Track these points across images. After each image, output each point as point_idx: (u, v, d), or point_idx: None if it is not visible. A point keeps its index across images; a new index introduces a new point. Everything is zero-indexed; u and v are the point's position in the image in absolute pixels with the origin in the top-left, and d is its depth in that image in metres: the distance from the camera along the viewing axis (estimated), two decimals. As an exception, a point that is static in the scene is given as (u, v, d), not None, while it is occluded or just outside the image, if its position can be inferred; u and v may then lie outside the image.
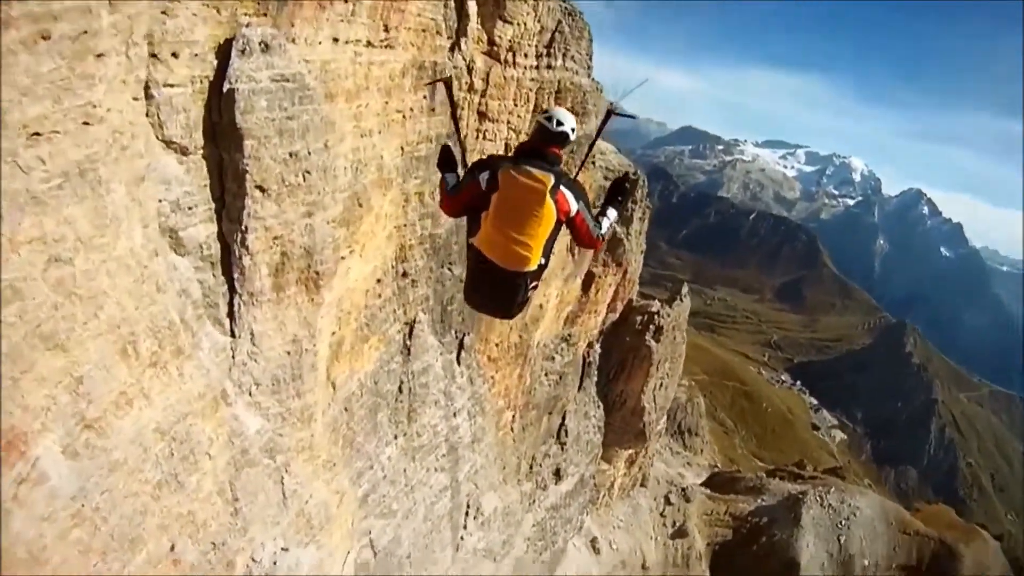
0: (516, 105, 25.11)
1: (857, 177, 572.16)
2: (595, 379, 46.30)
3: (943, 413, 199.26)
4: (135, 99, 8.38)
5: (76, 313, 7.29)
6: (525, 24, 24.65)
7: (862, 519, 57.37)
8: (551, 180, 5.38)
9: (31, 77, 6.21)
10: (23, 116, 6.21)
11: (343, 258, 15.39)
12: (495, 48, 23.62)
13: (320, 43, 13.11)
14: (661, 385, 49.92)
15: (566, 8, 28.64)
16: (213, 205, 10.99)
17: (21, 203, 6.38)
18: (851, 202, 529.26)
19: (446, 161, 6.97)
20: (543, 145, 5.85)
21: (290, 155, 11.65)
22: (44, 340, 6.89)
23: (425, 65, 18.63)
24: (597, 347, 46.11)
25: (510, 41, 23.97)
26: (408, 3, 16.24)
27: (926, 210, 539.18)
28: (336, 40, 13.68)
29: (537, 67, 26.14)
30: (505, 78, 24.28)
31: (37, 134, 6.40)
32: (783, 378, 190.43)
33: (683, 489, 59.80)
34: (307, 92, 11.86)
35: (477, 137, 24.26)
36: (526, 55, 25.20)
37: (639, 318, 47.92)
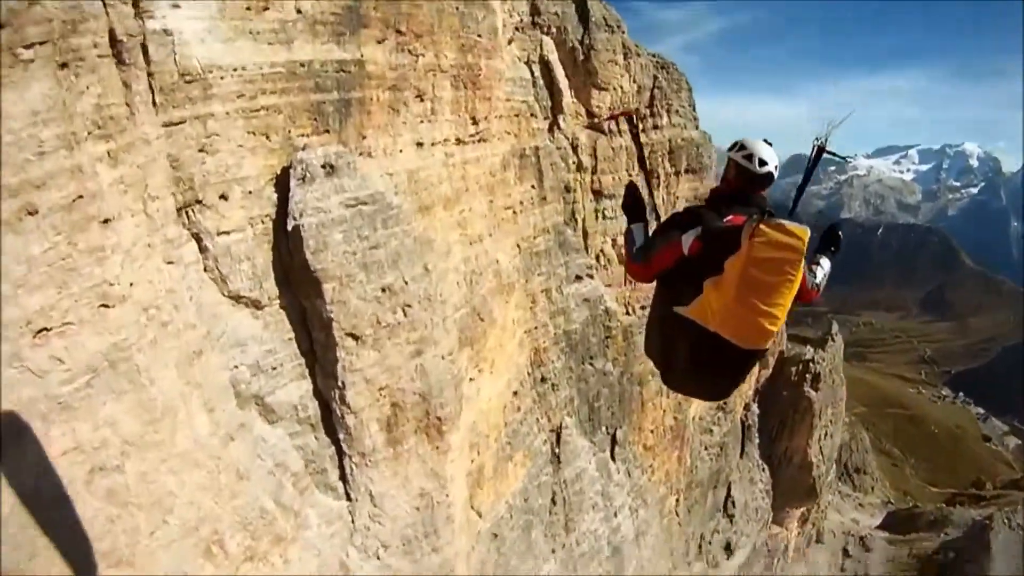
0: (631, 175, 23.50)
1: (975, 162, 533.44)
2: (756, 441, 44.03)
3: None
4: (169, 262, 6.93)
5: (138, 524, 5.99)
6: (621, 87, 23.31)
7: None
8: (807, 234, 4.08)
9: (24, 263, 4.97)
10: (23, 311, 4.98)
11: (471, 379, 14.02)
12: (596, 119, 22.24)
13: (402, 151, 11.70)
14: (827, 434, 47.02)
15: (658, 62, 27.32)
16: (303, 360, 9.51)
17: (43, 411, 5.15)
18: (974, 190, 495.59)
19: (633, 205, 5.33)
20: (748, 188, 4.78)
21: (383, 290, 10.06)
22: (104, 557, 5.61)
23: (526, 152, 17.39)
24: (754, 407, 44.00)
25: (610, 108, 22.51)
26: (493, 89, 14.83)
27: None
28: (420, 144, 12.28)
29: (643, 130, 24.58)
30: (613, 149, 22.82)
31: (45, 330, 5.16)
32: (944, 393, 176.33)
33: (861, 538, 56.03)
34: (391, 212, 10.32)
35: (596, 218, 22.82)
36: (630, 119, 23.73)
37: (793, 369, 45.39)
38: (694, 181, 28.49)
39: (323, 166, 9.29)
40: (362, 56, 10.37)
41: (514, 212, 16.86)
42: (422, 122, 12.19)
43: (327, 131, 9.77)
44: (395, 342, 10.28)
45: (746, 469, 41.84)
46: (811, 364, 45.25)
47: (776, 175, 4.81)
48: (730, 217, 4.46)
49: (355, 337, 9.58)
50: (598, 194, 22.74)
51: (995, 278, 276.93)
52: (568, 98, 21.00)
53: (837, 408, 49.38)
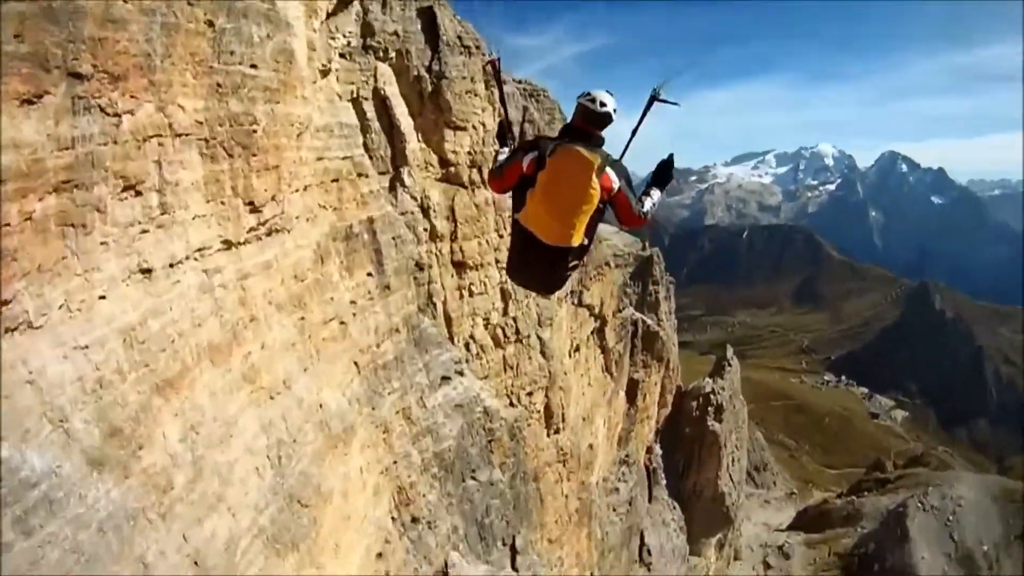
0: (502, 236, 18.63)
1: (830, 161, 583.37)
2: (664, 482, 42.60)
3: (992, 355, 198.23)
4: None
5: None
6: (483, 124, 18.59)
7: (968, 506, 53.25)
8: (598, 160, 5.23)
9: None
10: None
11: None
12: (452, 169, 17.55)
13: (104, 297, 6.30)
14: (734, 460, 46.54)
15: (527, 90, 22.67)
16: None
17: None
18: (832, 187, 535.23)
19: (501, 135, 6.43)
20: (587, 126, 5.55)
21: None
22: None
23: (354, 230, 12.55)
24: (657, 448, 42.44)
25: (470, 154, 17.92)
26: (287, 150, 9.60)
27: (905, 168, 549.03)
28: (147, 271, 6.86)
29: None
30: (476, 205, 18.15)
31: None
32: (827, 378, 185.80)
33: (779, 547, 55.54)
34: (33, 491, 5.31)
35: (461, 296, 17.96)
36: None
37: (694, 403, 44.58)
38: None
39: None
40: (-19, 138, 4.96)
41: (342, 322, 11.85)
42: (145, 232, 6.82)
43: None
44: None
45: (656, 513, 40.89)
46: (712, 396, 44.64)
47: (613, 117, 5.53)
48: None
49: None
50: (460, 266, 17.96)
51: (861, 265, 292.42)
52: (414, 144, 16.20)
53: (740, 432, 49.45)
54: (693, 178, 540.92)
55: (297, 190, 10.17)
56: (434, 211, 16.65)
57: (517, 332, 20.11)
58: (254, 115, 8.74)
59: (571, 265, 5.77)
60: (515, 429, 19.41)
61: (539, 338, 21.46)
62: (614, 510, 32.68)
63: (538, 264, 5.67)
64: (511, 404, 20.22)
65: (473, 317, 18.65)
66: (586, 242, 5.62)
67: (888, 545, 50.78)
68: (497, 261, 18.80)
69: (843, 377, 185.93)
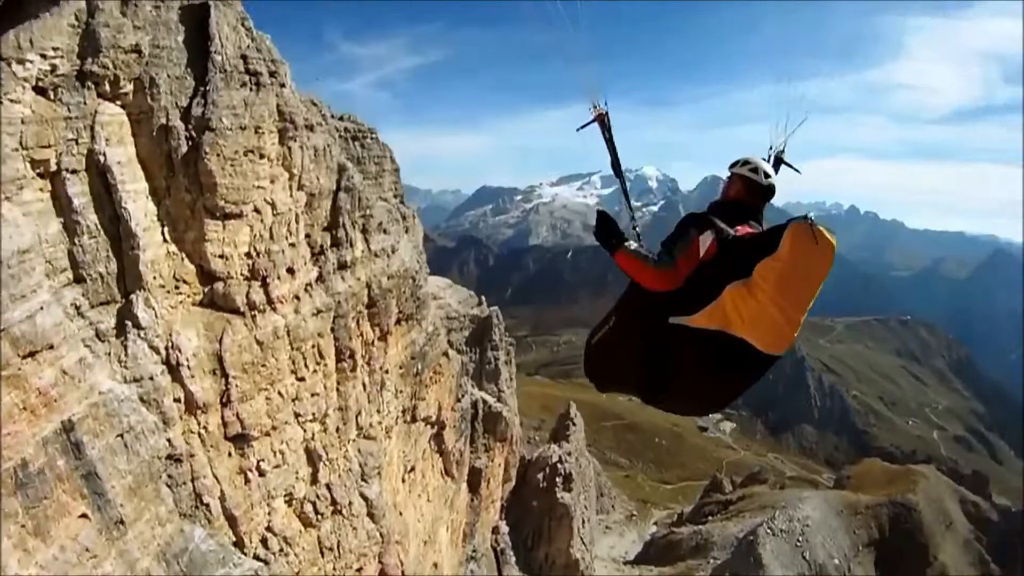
0: (301, 378, 12.86)
1: (654, 184, 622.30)
2: (513, 560, 38.72)
3: (813, 365, 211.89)
4: None
5: None
6: (272, 205, 12.47)
7: (815, 525, 54.87)
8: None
9: None
10: None
11: None
12: (221, 285, 11.51)
13: None
14: (584, 522, 43.57)
15: (352, 132, 16.88)
16: None
17: None
18: (655, 208, 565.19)
19: (609, 229, 5.33)
20: (752, 201, 5.01)
21: None
22: None
23: (30, 468, 7.57)
24: (503, 526, 38.59)
25: (249, 256, 11.91)
26: None
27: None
28: None
29: (321, 277, 13.99)
30: (260, 342, 12.02)
31: None
32: None
33: None
34: None
35: (245, 481, 11.96)
36: (291, 269, 12.97)
37: (540, 475, 41.76)
38: (411, 331, 18.90)
39: None
40: None
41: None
42: None
43: None
44: None
45: (504, 595, 38.68)
46: (559, 465, 42.26)
47: (775, 190, 5.05)
48: (739, 228, 4.56)
49: None
50: (241, 440, 11.97)
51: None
52: (156, 250, 10.38)
53: (589, 491, 47.80)
54: (519, 197, 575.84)
55: None
56: (188, 366, 10.67)
57: (334, 503, 14.50)
58: None
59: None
60: None
61: (364, 498, 15.78)
62: (461, 614, 28.77)
63: (728, 378, 4.53)
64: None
65: (268, 502, 12.78)
66: None
67: (743, 573, 50.27)
68: (297, 416, 13.00)
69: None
